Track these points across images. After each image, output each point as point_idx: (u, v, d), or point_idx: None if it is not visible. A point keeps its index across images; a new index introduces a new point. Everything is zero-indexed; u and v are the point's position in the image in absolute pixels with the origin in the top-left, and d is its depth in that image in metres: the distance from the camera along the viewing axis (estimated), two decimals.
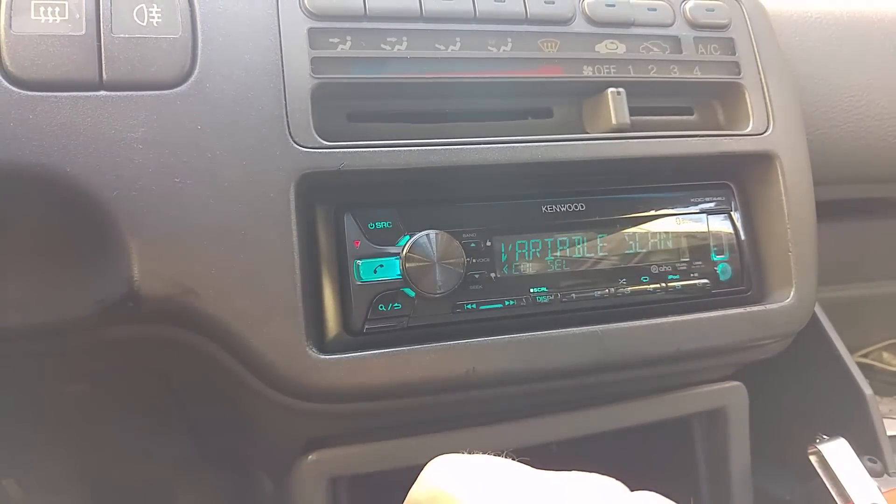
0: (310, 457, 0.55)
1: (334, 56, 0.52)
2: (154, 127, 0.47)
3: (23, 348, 0.55)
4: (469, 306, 0.53)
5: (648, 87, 0.60)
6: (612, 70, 0.58)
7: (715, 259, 0.60)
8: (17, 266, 0.50)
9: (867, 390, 0.72)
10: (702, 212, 0.61)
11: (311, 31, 0.51)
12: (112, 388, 0.70)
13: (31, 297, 0.50)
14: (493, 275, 0.53)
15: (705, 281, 0.60)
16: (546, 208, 0.56)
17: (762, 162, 0.62)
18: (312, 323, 0.50)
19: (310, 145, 0.49)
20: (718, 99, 0.64)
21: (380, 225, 0.52)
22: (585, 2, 0.58)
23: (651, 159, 0.58)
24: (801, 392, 0.78)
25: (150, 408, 0.73)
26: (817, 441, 0.67)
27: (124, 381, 0.69)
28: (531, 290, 0.54)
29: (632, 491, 0.33)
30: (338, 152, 0.50)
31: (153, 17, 0.48)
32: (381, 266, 0.51)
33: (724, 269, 0.61)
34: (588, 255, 0.56)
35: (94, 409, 0.72)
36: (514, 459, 0.37)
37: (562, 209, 0.56)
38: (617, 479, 0.34)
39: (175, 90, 0.48)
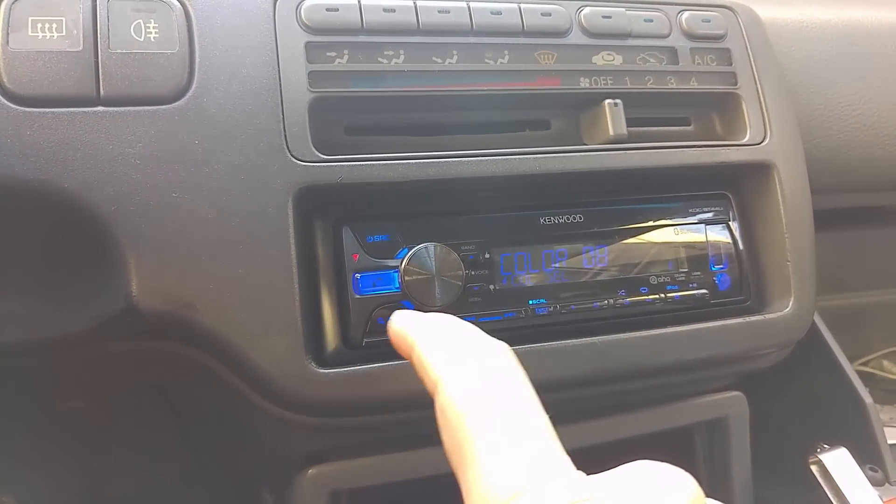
0: (310, 471, 0.55)
1: (332, 70, 0.52)
2: (152, 142, 0.47)
3: (20, 364, 0.55)
4: (468, 319, 0.52)
5: (645, 98, 0.60)
6: (609, 81, 0.59)
7: (713, 269, 0.60)
8: (14, 281, 0.50)
9: (868, 399, 0.71)
10: (700, 222, 0.61)
11: (308, 45, 0.51)
12: (110, 404, 0.70)
13: (29, 312, 0.50)
14: (491, 287, 0.53)
15: (704, 291, 0.60)
16: (544, 220, 0.56)
17: (760, 172, 0.62)
18: (311, 337, 0.50)
19: (308, 159, 0.49)
20: (715, 109, 0.64)
21: (378, 238, 0.52)
22: (582, 14, 0.59)
23: (649, 170, 0.58)
24: (801, 401, 0.78)
25: (149, 423, 0.73)
26: (818, 450, 0.67)
27: (122, 396, 0.69)
28: (530, 302, 0.54)
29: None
30: (336, 166, 0.50)
31: (150, 33, 0.49)
32: (380, 279, 0.51)
33: (722, 280, 0.61)
34: (586, 267, 0.56)
35: (92, 425, 0.72)
36: None
37: (560, 221, 0.56)
38: None
39: (173, 105, 0.48)
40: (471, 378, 0.35)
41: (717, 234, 0.61)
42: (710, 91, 0.62)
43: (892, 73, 0.76)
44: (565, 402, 0.59)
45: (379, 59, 0.53)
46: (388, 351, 0.51)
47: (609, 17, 0.59)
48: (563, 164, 0.55)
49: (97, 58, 0.47)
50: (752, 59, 0.64)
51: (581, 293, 0.56)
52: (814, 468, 0.66)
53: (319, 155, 0.50)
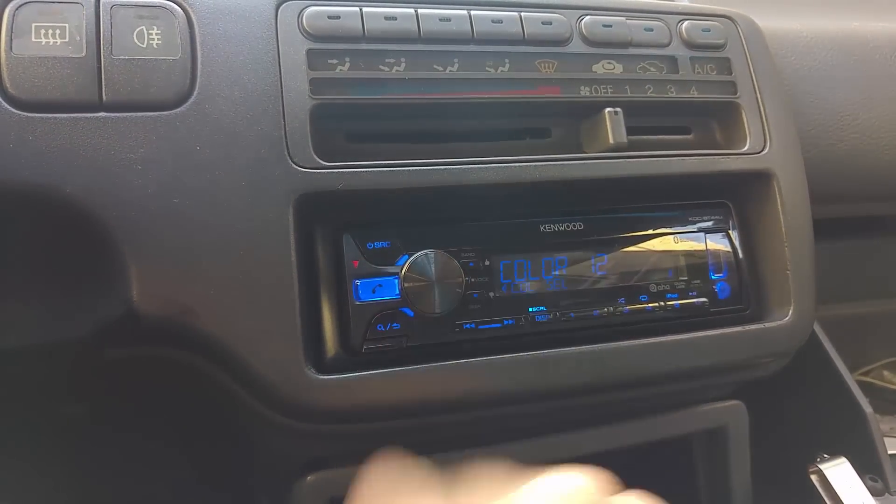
0: (308, 478, 0.55)
1: (333, 77, 0.52)
2: (153, 148, 0.47)
3: (19, 369, 0.55)
4: (468, 326, 0.53)
5: (646, 106, 0.60)
6: (610, 90, 0.59)
7: (713, 278, 0.60)
8: (14, 286, 0.50)
9: (868, 409, 0.71)
10: (700, 231, 0.61)
11: (309, 52, 0.52)
12: (109, 410, 0.70)
13: (29, 317, 0.50)
14: (491, 294, 0.53)
15: (704, 300, 0.60)
16: (544, 227, 0.56)
17: (759, 181, 0.62)
18: (311, 343, 0.50)
19: (309, 166, 0.50)
20: (715, 118, 0.64)
21: (378, 245, 0.52)
22: (582, 22, 0.59)
23: (649, 178, 0.58)
24: (801, 411, 0.78)
25: (147, 429, 0.73)
26: (818, 460, 0.67)
27: (121, 402, 0.68)
28: (530, 310, 0.54)
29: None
30: (337, 173, 0.50)
31: (153, 39, 0.49)
32: (380, 286, 0.51)
33: (722, 288, 0.61)
34: (586, 275, 0.56)
35: (90, 431, 0.72)
36: None
37: (560, 228, 0.56)
38: None
39: (174, 111, 0.48)
40: None
41: (717, 243, 0.61)
42: (709, 100, 0.62)
43: (891, 83, 0.77)
44: (563, 411, 0.59)
45: (380, 66, 0.53)
46: (386, 358, 0.51)
47: (609, 25, 0.59)
48: (563, 172, 0.55)
49: (100, 64, 0.47)
50: (751, 69, 0.64)
51: (581, 301, 0.56)
52: (813, 478, 0.66)
53: (320, 162, 0.50)
